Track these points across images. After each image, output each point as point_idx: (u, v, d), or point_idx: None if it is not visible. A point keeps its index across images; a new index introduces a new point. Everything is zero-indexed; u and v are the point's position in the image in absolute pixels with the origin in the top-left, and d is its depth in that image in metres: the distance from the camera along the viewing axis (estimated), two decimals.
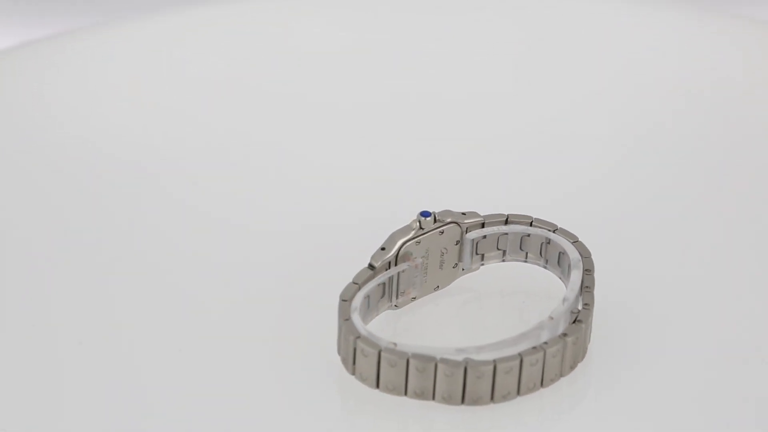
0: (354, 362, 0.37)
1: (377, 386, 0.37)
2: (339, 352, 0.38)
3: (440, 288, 0.41)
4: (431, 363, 0.36)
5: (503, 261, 0.41)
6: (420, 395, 0.37)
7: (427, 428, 0.37)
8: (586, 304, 0.38)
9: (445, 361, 0.36)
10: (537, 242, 0.40)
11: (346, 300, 0.38)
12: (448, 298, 0.41)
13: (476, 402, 0.37)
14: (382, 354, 0.36)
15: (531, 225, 0.40)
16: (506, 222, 0.40)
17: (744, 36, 0.52)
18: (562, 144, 0.48)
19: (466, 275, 0.41)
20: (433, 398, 0.37)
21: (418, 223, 0.39)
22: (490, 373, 0.36)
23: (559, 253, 0.40)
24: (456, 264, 0.40)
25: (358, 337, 0.37)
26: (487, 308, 0.41)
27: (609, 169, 0.46)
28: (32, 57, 0.52)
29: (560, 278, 0.40)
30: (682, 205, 0.45)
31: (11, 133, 0.49)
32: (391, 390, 0.37)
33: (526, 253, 0.41)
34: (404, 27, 0.53)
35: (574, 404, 0.38)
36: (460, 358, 0.36)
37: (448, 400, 0.37)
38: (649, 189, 0.45)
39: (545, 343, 0.37)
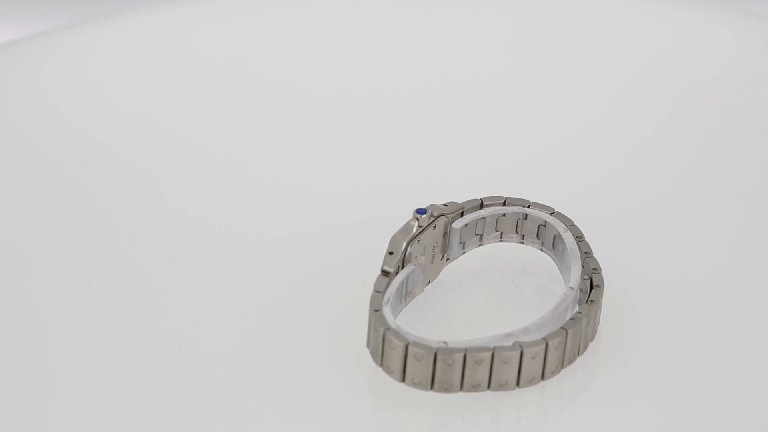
0: (405, 369, 0.37)
1: (431, 388, 0.37)
2: (380, 363, 0.37)
3: (431, 282, 0.41)
4: (488, 353, 0.36)
5: (480, 245, 0.41)
6: (475, 387, 0.37)
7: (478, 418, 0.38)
8: (594, 269, 0.39)
9: (500, 348, 0.36)
10: (513, 220, 0.41)
11: (378, 310, 0.37)
12: (436, 287, 0.41)
13: (530, 382, 0.37)
14: (438, 355, 0.36)
15: (504, 204, 0.41)
16: (481, 206, 0.41)
17: (754, 33, 0.54)
18: (564, 143, 0.48)
19: (447, 264, 0.41)
20: (489, 388, 0.37)
21: (416, 221, 0.39)
22: (542, 351, 0.37)
23: (539, 226, 0.41)
24: (443, 255, 0.41)
25: (409, 343, 0.36)
26: (481, 291, 0.41)
27: (612, 170, 0.47)
28: (29, 52, 0.51)
29: (541, 250, 0.41)
30: (687, 203, 0.45)
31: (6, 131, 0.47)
32: (447, 389, 0.37)
33: (501, 233, 0.41)
34: (403, 26, 0.53)
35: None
36: (510, 343, 0.37)
37: (504, 386, 0.37)
38: (655, 187, 0.46)
39: (579, 312, 0.38)
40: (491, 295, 0.41)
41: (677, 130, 0.49)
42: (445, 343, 0.36)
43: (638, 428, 0.37)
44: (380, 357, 0.37)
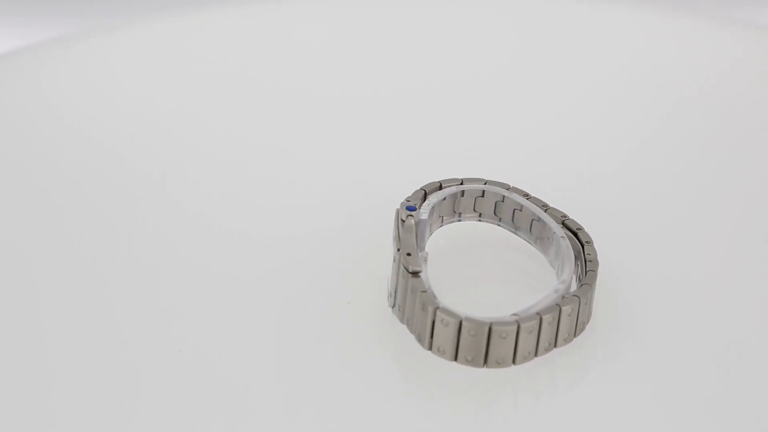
0: (487, 353, 0.37)
1: (513, 362, 0.37)
2: (455, 357, 0.37)
3: None
4: (555, 311, 0.37)
5: (431, 233, 0.41)
6: (547, 348, 0.37)
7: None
8: (563, 216, 0.40)
9: (564, 302, 0.37)
10: (450, 201, 0.41)
11: (438, 306, 0.37)
12: None
13: (581, 330, 0.38)
14: (521, 326, 0.36)
15: (441, 188, 0.41)
16: (425, 197, 0.41)
17: (749, 40, 0.54)
18: (564, 143, 0.48)
19: None
20: (555, 345, 0.38)
21: (412, 218, 0.39)
22: (590, 297, 0.38)
23: (475, 198, 0.41)
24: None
25: (491, 325, 0.36)
26: (450, 272, 0.41)
27: (612, 170, 0.47)
28: (34, 60, 0.51)
29: (480, 220, 0.41)
30: (686, 202, 0.45)
31: (10, 135, 0.47)
32: (526, 357, 0.37)
33: (442, 218, 0.41)
34: (403, 26, 0.53)
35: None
36: (561, 297, 0.37)
37: (568, 339, 0.38)
38: (655, 187, 0.46)
39: (588, 254, 0.39)
40: (463, 273, 0.41)
41: (677, 131, 0.49)
42: (516, 314, 0.37)
43: (635, 426, 0.37)
44: (455, 350, 0.37)
